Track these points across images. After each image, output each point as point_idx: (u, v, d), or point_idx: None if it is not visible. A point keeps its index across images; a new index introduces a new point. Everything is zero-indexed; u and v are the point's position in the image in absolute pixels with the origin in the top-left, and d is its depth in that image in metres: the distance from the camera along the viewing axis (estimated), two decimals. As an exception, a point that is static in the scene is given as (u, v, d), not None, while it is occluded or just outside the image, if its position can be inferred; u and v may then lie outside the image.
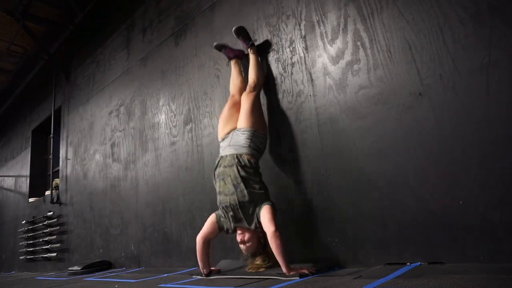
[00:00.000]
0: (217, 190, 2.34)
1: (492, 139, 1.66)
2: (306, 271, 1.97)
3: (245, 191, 2.19)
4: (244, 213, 2.21)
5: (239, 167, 2.25)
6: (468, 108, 1.74)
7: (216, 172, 2.37)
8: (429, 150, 1.85)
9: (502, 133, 1.64)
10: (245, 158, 2.29)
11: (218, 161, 2.39)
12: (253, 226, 2.19)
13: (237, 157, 2.29)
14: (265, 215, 2.11)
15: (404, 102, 1.97)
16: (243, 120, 2.46)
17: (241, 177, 2.22)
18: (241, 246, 2.25)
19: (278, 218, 2.16)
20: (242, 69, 2.86)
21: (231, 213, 2.24)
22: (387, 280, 1.55)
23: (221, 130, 2.57)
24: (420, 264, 1.82)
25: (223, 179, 2.30)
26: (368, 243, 2.04)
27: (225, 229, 2.34)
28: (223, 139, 2.52)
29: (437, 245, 1.78)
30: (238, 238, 2.25)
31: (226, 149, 2.41)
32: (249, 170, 2.26)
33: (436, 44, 1.88)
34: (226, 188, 2.27)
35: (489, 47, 1.71)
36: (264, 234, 2.15)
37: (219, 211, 2.35)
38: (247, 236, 2.21)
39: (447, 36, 1.84)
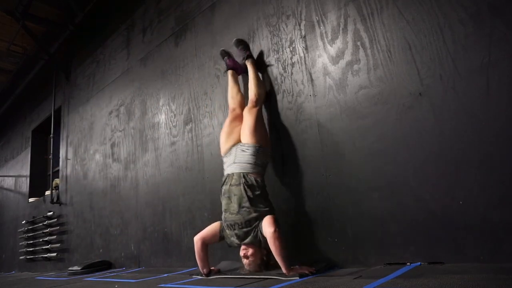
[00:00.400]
0: (223, 207, 2.34)
1: (492, 139, 1.66)
2: (306, 271, 1.97)
3: (251, 209, 2.19)
4: (248, 230, 2.20)
5: (246, 187, 2.24)
6: (468, 108, 1.74)
7: (223, 190, 2.36)
8: (429, 150, 1.85)
9: (502, 133, 1.64)
10: (252, 177, 2.28)
11: (225, 179, 2.38)
12: (256, 239, 2.17)
13: (244, 176, 2.28)
14: (265, 222, 2.12)
15: (404, 102, 1.97)
16: (247, 136, 2.44)
17: (248, 197, 2.22)
18: (244, 260, 2.24)
19: (278, 219, 2.16)
20: (239, 84, 2.85)
21: (236, 231, 2.23)
22: (387, 280, 1.55)
23: (223, 145, 2.55)
24: (420, 264, 1.82)
25: (228, 197, 2.29)
26: (368, 243, 2.04)
27: (227, 243, 2.34)
28: (226, 155, 2.50)
29: (437, 245, 1.78)
30: (242, 253, 2.24)
31: (231, 167, 2.39)
32: (256, 190, 2.25)
33: (436, 44, 1.88)
34: (231, 206, 2.26)
35: (489, 47, 1.71)
36: (267, 251, 2.16)
37: (225, 225, 2.33)
38: (250, 251, 2.20)
39: (447, 36, 1.84)
